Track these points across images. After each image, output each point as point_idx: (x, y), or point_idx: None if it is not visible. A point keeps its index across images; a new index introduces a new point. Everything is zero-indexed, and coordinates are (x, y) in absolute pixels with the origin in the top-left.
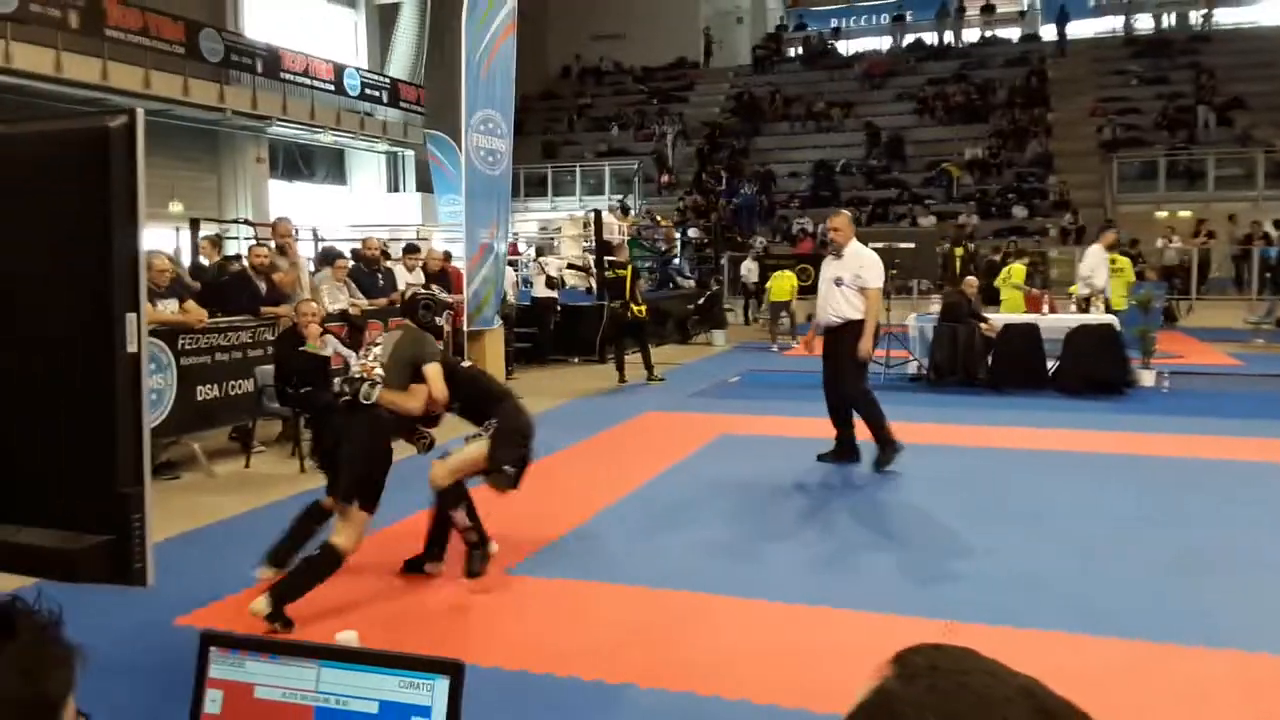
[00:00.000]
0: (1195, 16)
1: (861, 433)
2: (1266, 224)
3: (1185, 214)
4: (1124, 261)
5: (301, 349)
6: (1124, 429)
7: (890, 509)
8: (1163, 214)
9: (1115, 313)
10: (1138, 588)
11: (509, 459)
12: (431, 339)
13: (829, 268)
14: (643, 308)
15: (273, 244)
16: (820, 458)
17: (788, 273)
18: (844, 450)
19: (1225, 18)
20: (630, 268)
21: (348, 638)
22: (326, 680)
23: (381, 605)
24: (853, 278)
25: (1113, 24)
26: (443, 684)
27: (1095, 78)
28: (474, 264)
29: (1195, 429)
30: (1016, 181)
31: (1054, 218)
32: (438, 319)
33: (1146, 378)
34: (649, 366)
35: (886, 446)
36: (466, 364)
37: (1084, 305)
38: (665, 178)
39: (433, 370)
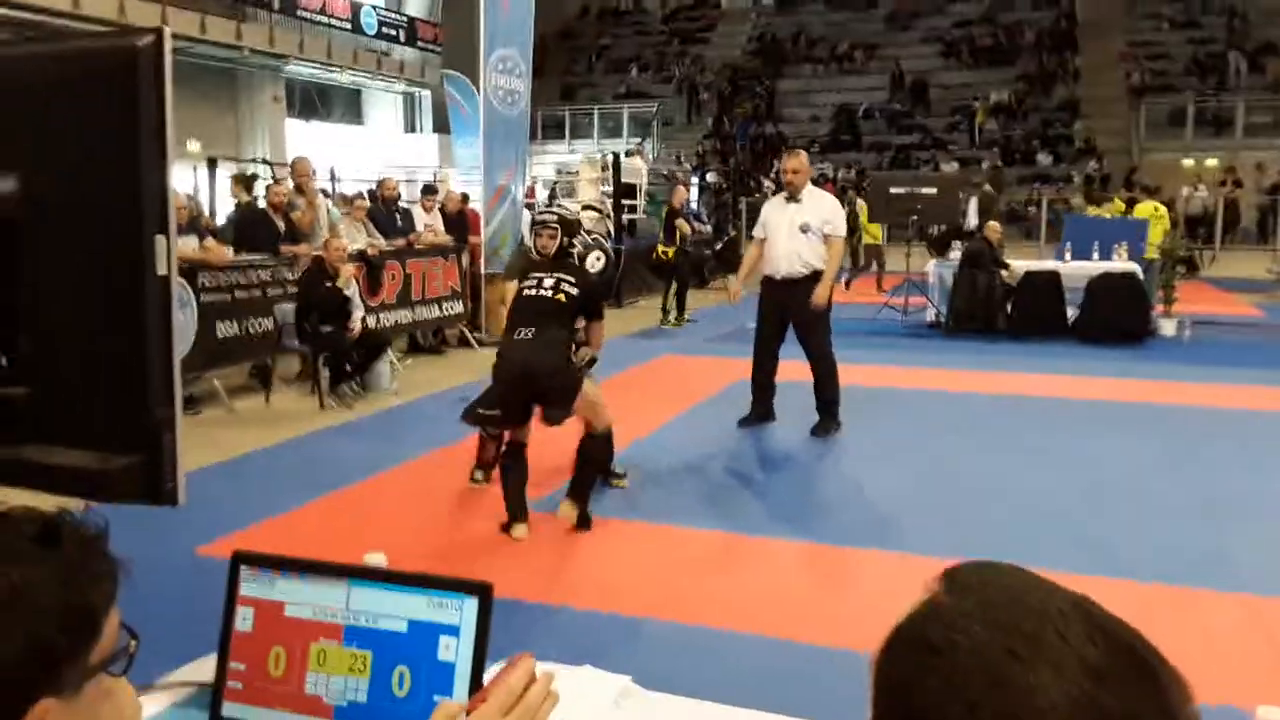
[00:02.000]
0: None
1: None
2: None
3: (1212, 162)
4: (1163, 210)
5: (328, 285)
6: (1143, 378)
7: (905, 450)
8: (1189, 162)
9: (1147, 262)
10: (1153, 532)
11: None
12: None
13: (785, 212)
14: (670, 249)
15: (290, 183)
16: (742, 422)
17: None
18: (765, 414)
19: None
20: (667, 210)
21: (377, 559)
22: (356, 599)
23: (406, 535)
24: (821, 223)
25: None
26: (471, 604)
27: (1126, 21)
28: (491, 206)
29: (1215, 378)
30: (1042, 127)
31: (1079, 164)
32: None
33: (1168, 327)
34: (666, 309)
35: (834, 417)
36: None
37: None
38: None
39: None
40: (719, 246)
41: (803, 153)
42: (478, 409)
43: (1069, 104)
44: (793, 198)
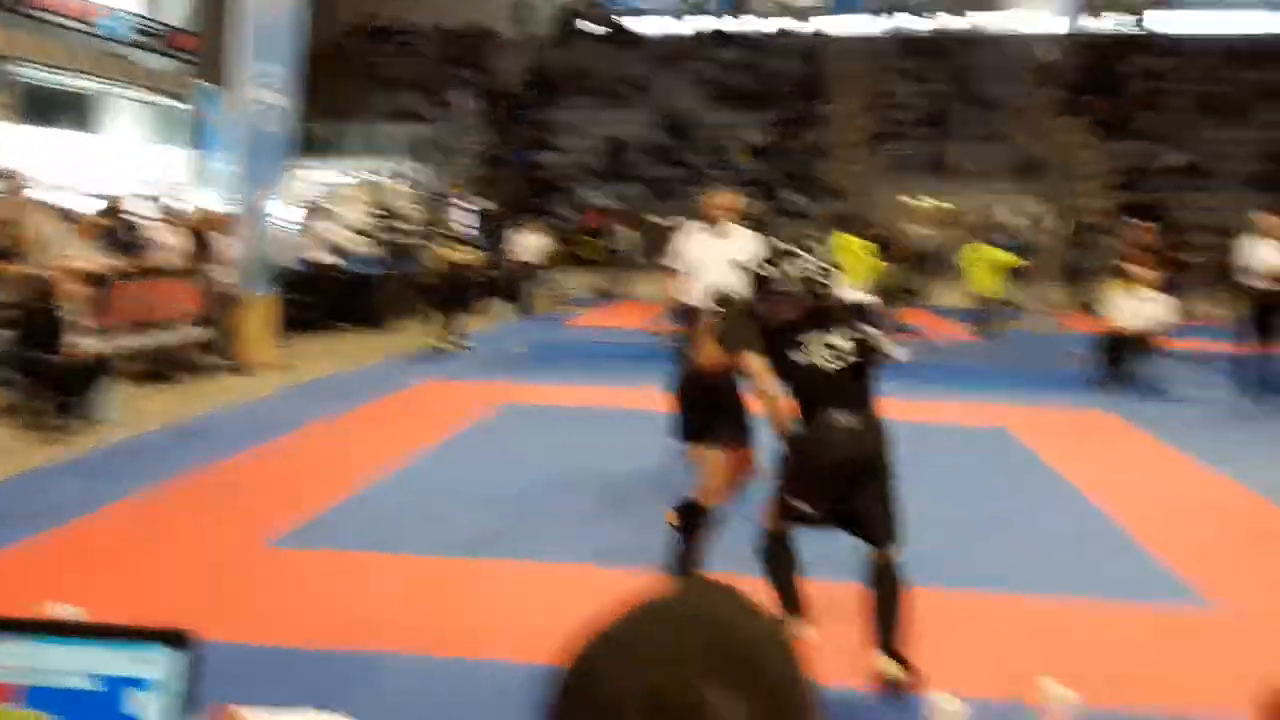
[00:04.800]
0: (954, 19)
1: None
2: (1008, 215)
3: (942, 204)
4: (871, 246)
5: (44, 306)
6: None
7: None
8: (919, 204)
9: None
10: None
11: None
12: None
13: (713, 247)
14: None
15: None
16: None
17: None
18: None
19: (981, 21)
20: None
21: (66, 611)
22: (40, 657)
23: (125, 578)
24: (748, 260)
25: (886, 24)
26: (169, 655)
27: (869, 74)
28: (244, 225)
29: (931, 395)
30: (794, 167)
31: (825, 203)
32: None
33: (900, 352)
34: (441, 333)
35: None
36: None
37: None
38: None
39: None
40: (493, 273)
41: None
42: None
43: (818, 147)
44: (721, 232)
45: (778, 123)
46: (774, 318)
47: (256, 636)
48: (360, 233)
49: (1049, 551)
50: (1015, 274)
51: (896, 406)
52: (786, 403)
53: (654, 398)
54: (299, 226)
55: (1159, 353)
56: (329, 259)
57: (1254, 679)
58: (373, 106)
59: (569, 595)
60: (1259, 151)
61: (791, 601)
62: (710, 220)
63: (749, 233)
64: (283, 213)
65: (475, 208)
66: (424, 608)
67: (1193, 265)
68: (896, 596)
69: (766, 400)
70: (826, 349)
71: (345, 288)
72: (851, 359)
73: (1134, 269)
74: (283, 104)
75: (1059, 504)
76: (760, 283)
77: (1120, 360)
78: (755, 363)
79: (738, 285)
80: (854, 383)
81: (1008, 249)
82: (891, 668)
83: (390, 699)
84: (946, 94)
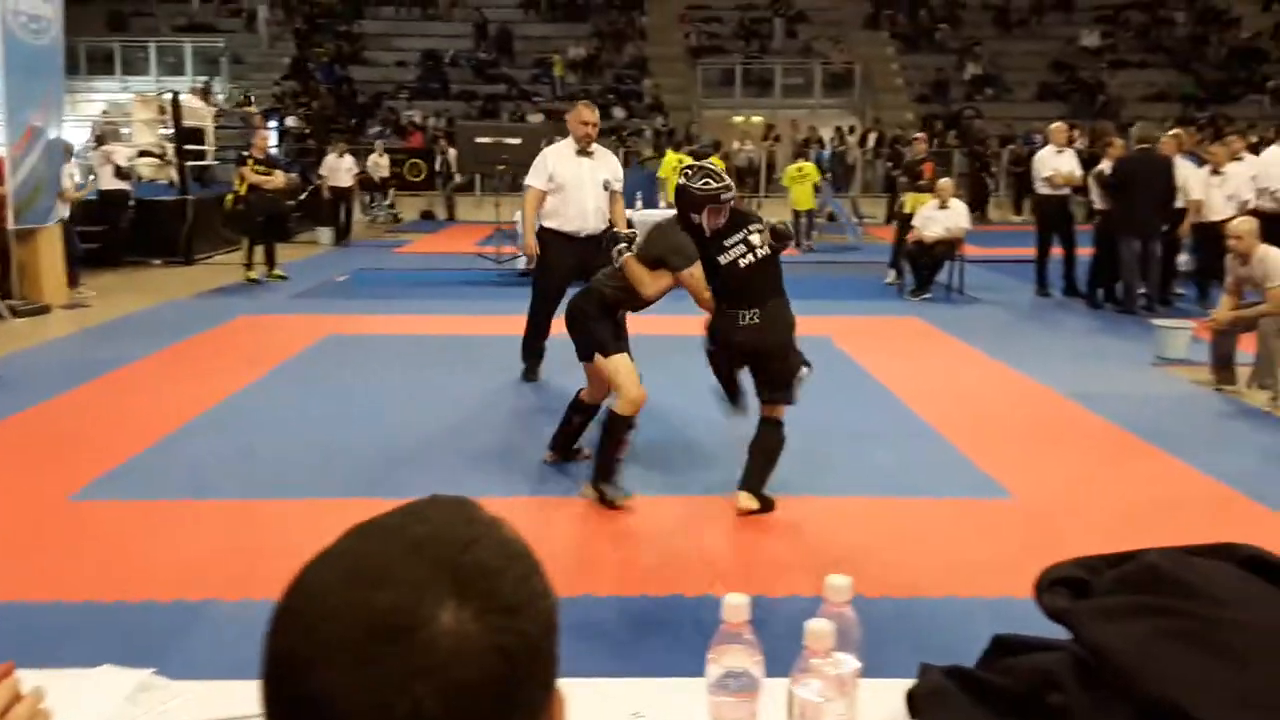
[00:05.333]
0: None
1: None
2: (822, 129)
3: (757, 119)
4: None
5: None
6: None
7: (496, 396)
8: (739, 119)
9: None
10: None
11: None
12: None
13: (581, 166)
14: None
15: None
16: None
17: (805, 165)
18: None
19: None
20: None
21: None
22: None
23: None
24: (615, 179)
25: None
26: None
27: None
28: (19, 150)
29: None
30: (615, 83)
31: (649, 120)
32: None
33: None
34: (249, 264)
35: None
36: None
37: None
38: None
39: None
40: (303, 197)
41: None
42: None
43: (638, 61)
44: (584, 151)
45: (597, 35)
46: (710, 227)
47: (63, 593)
48: (153, 156)
49: (868, 454)
50: (835, 187)
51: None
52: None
53: (483, 323)
54: (85, 151)
55: (961, 259)
56: (118, 185)
57: (1049, 563)
58: (162, 17)
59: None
60: (1049, 63)
61: (731, 389)
62: (580, 138)
63: (608, 151)
64: (67, 136)
65: (280, 127)
66: (241, 553)
67: (992, 174)
68: (768, 449)
69: (707, 304)
70: (744, 247)
71: (143, 217)
72: (762, 251)
73: (939, 181)
74: (49, 14)
75: (876, 408)
76: (692, 197)
77: (924, 267)
78: (698, 273)
79: (599, 207)
80: (763, 274)
81: (822, 162)
82: (752, 504)
83: (208, 648)
84: (760, 7)
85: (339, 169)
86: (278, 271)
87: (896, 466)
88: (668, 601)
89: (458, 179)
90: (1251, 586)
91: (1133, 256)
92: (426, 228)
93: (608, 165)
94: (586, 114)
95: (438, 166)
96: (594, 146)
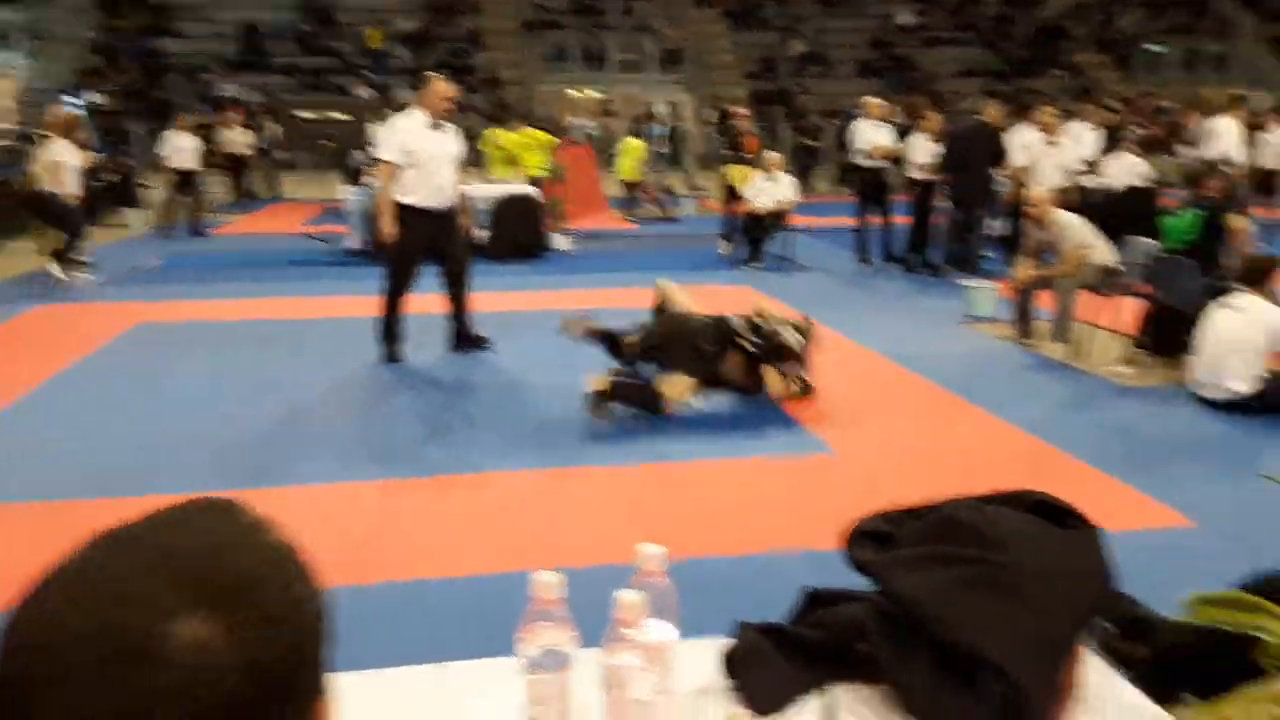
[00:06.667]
0: None
1: None
2: (657, 104)
3: (593, 94)
4: (544, 138)
5: None
6: (542, 289)
7: (316, 384)
8: (574, 93)
9: (536, 181)
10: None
11: None
12: None
13: (435, 141)
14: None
15: None
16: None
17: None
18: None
19: None
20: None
21: None
22: None
23: None
24: (461, 153)
25: None
26: None
27: None
28: None
29: (600, 284)
30: (449, 56)
31: (485, 94)
32: None
33: (560, 241)
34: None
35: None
36: None
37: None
38: None
39: None
40: (115, 178)
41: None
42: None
43: (472, 35)
44: (437, 125)
45: (427, 8)
46: None
47: None
48: None
49: (698, 417)
50: (673, 160)
51: (558, 297)
52: None
53: (315, 305)
54: None
55: (788, 229)
56: None
57: (869, 512)
58: None
59: None
60: (868, 40)
61: None
62: (440, 113)
63: (452, 125)
64: None
65: (84, 103)
66: (35, 562)
67: (816, 148)
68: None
69: None
70: None
71: None
72: None
73: (767, 155)
74: None
75: None
76: None
77: (755, 238)
78: None
79: (454, 181)
80: None
81: (658, 138)
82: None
83: None
84: None
85: (184, 149)
86: (86, 258)
87: (726, 428)
88: (499, 581)
89: (281, 156)
90: (1036, 530)
91: (954, 223)
92: (248, 207)
93: (456, 139)
94: (446, 88)
95: (261, 143)
96: (448, 123)
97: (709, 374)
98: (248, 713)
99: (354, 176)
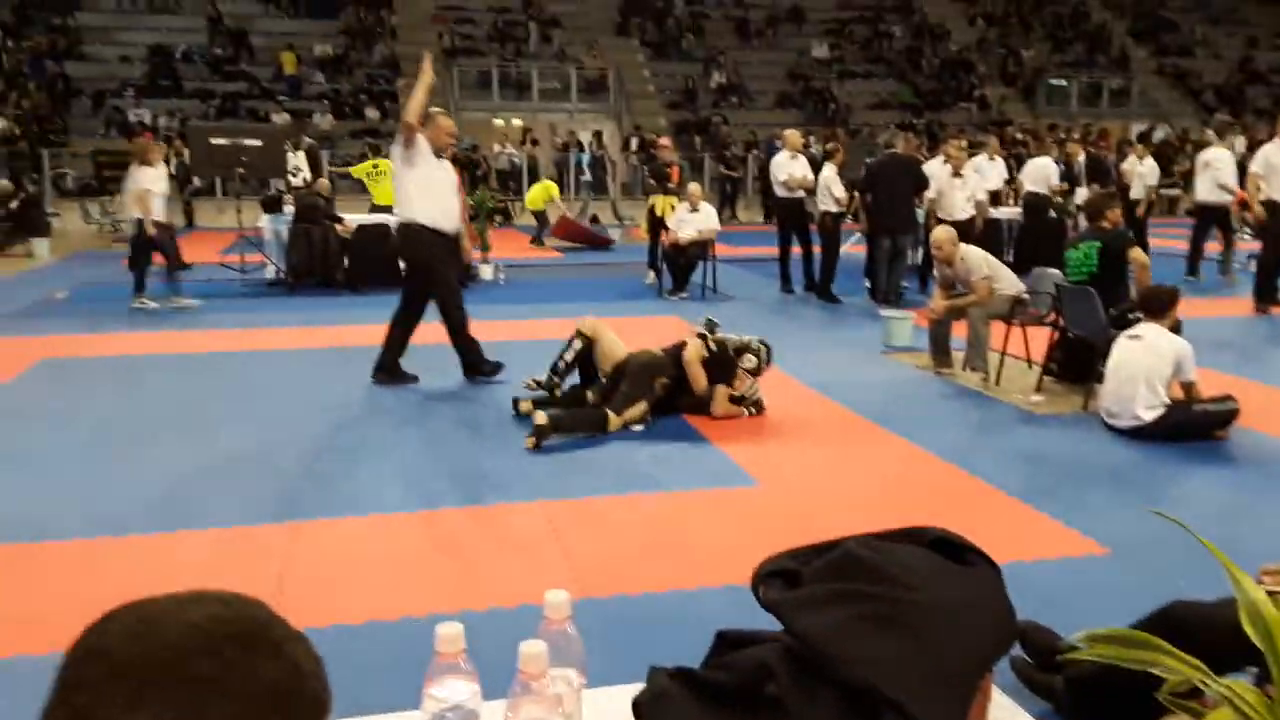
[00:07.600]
0: None
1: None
2: (580, 133)
3: (517, 122)
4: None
5: None
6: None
7: (233, 420)
8: (499, 122)
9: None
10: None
11: None
12: None
13: (442, 169)
14: None
15: None
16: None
17: (547, 182)
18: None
19: None
20: None
21: None
22: None
23: None
24: (451, 175)
25: None
26: None
27: None
28: None
29: (527, 315)
30: (368, 83)
31: None
32: None
33: (486, 271)
34: None
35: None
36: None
37: None
38: None
39: None
40: (14, 205)
41: None
42: None
43: (390, 61)
44: (440, 154)
45: (345, 33)
46: None
47: None
48: None
49: (622, 450)
50: (597, 189)
51: (486, 328)
52: None
53: (219, 339)
54: None
55: (713, 259)
56: None
57: (791, 544)
58: None
59: (100, 576)
60: (785, 72)
61: None
62: (442, 149)
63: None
64: None
65: None
66: None
67: (738, 178)
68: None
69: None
70: None
71: None
72: None
73: (689, 186)
74: None
75: None
76: None
77: (680, 268)
78: None
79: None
80: None
81: (582, 166)
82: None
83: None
84: (514, 10)
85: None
86: None
87: (649, 462)
88: (410, 625)
89: (196, 182)
90: (935, 566)
91: (883, 253)
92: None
93: (451, 169)
94: (450, 124)
95: (172, 169)
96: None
97: (664, 401)
98: None
99: (273, 205)
